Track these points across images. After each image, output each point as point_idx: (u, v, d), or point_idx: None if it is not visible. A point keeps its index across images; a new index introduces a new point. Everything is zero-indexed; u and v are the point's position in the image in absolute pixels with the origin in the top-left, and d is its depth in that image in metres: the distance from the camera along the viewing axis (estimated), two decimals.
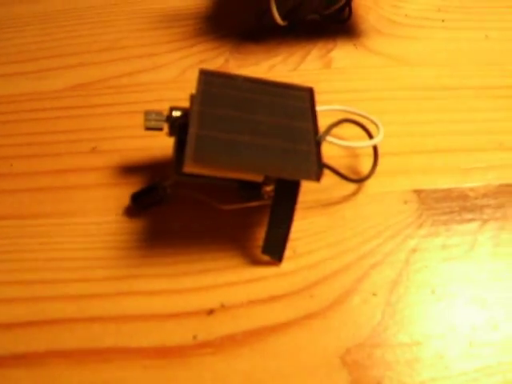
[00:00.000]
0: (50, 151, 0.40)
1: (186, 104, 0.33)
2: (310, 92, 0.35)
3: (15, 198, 0.37)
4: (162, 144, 0.38)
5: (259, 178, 0.31)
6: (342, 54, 0.45)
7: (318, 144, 0.31)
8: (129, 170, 0.38)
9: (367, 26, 0.47)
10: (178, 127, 0.33)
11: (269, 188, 0.33)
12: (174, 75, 0.44)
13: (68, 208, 0.36)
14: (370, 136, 0.35)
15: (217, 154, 0.29)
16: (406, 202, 0.35)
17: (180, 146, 0.32)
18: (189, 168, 0.29)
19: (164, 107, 0.34)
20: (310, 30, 0.47)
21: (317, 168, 0.30)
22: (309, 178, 0.30)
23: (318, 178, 0.30)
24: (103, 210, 0.36)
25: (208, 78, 0.33)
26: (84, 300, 0.32)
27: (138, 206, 0.35)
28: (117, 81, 0.44)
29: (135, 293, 0.32)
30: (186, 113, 0.33)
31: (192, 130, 0.30)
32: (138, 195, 0.35)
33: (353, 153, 0.36)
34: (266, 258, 0.33)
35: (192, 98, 0.33)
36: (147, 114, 0.34)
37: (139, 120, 0.37)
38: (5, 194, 0.38)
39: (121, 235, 0.35)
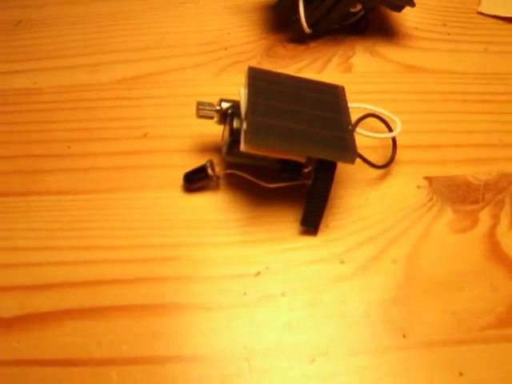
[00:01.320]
0: (104, 136, 0.45)
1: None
2: (342, 89, 0.41)
3: (73, 177, 0.42)
4: (209, 132, 0.43)
5: (302, 159, 0.37)
6: (360, 60, 0.51)
7: (352, 133, 0.37)
8: (179, 153, 0.43)
9: (382, 36, 0.53)
10: (229, 116, 0.38)
11: (306, 170, 0.38)
12: (212, 73, 0.50)
13: (125, 185, 0.41)
14: (390, 130, 0.41)
15: (270, 137, 0.34)
16: (418, 187, 0.41)
17: (232, 133, 0.37)
18: (246, 148, 0.35)
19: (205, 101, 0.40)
20: (332, 39, 0.53)
21: (352, 153, 0.36)
22: (345, 160, 0.36)
23: (353, 161, 0.36)
24: (157, 187, 0.41)
25: (256, 74, 0.39)
26: (144, 263, 0.37)
27: (189, 184, 0.40)
28: (161, 76, 0.49)
29: (188, 258, 0.37)
30: (234, 104, 0.39)
31: (249, 117, 0.35)
32: (190, 174, 0.40)
33: (374, 144, 0.42)
34: (303, 229, 0.38)
35: (241, 91, 0.38)
36: (200, 104, 0.39)
37: (186, 111, 0.44)
38: (63, 172, 0.42)
39: (174, 208, 0.40)
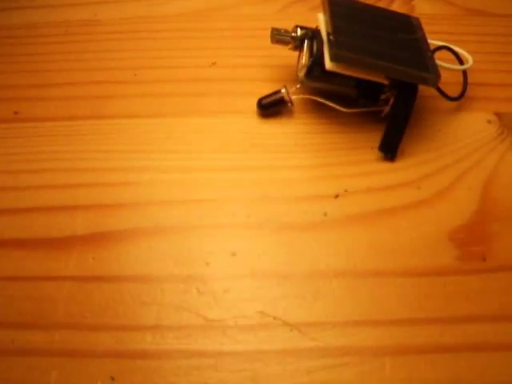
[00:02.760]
0: (171, 64, 0.44)
1: None
2: (417, 20, 0.40)
3: (142, 101, 0.42)
4: (278, 62, 0.43)
5: (384, 80, 0.36)
6: (422, 2, 0.50)
7: (433, 58, 0.37)
8: (249, 82, 0.43)
9: None
10: (308, 40, 0.38)
11: (384, 95, 0.38)
12: (275, 9, 0.49)
13: (196, 110, 0.42)
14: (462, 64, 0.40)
15: (356, 54, 0.34)
16: (489, 122, 0.41)
17: (312, 55, 0.37)
18: (332, 66, 0.35)
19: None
20: None
21: (435, 75, 0.36)
22: (428, 83, 0.36)
23: (435, 83, 0.36)
24: (229, 112, 0.41)
25: (334, 1, 0.39)
26: (224, 184, 0.38)
27: (264, 108, 0.40)
28: (223, 11, 0.49)
29: (267, 179, 0.38)
30: (311, 29, 0.39)
31: (334, 36, 0.35)
32: (265, 98, 0.40)
33: (445, 79, 0.41)
34: (380, 155, 0.38)
35: (319, 17, 0.39)
36: (275, 29, 0.39)
37: (254, 43, 0.44)
38: (132, 97, 0.42)
39: (248, 133, 0.40)
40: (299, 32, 0.39)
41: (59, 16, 0.49)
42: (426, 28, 0.41)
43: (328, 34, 0.36)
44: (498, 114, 0.41)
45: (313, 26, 0.39)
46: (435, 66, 0.36)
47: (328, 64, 0.35)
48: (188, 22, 0.47)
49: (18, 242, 0.34)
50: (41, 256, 0.34)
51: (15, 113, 0.41)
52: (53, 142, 0.39)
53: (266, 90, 0.40)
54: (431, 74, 0.35)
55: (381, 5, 0.48)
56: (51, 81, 0.43)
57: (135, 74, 0.43)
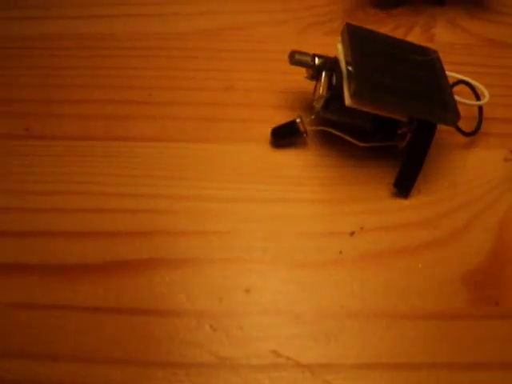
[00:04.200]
0: (187, 86, 0.44)
1: None
2: (436, 53, 0.40)
3: (156, 124, 0.41)
4: (295, 88, 0.42)
5: (404, 118, 0.36)
6: (442, 31, 0.50)
7: (452, 95, 0.37)
8: (265, 108, 0.42)
9: (463, 8, 0.52)
10: (326, 71, 0.37)
11: (401, 130, 0.37)
12: (294, 32, 0.49)
13: (209, 135, 0.41)
14: (478, 99, 0.40)
15: (377, 92, 0.34)
16: (506, 160, 0.40)
17: (331, 87, 0.36)
18: (352, 102, 0.34)
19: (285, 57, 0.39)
20: (412, 8, 0.52)
21: (454, 115, 0.35)
22: (447, 122, 0.35)
23: (454, 123, 0.35)
24: (242, 140, 0.41)
25: (354, 31, 0.38)
26: (234, 215, 0.37)
27: (277, 139, 0.39)
28: (241, 31, 0.48)
29: (278, 213, 0.37)
30: (330, 59, 0.38)
31: (355, 71, 0.35)
32: (279, 129, 0.39)
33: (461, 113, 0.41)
34: (394, 191, 0.38)
35: (339, 47, 0.38)
36: (296, 51, 0.39)
37: (271, 66, 0.44)
38: (146, 119, 0.42)
39: (260, 163, 0.40)
40: (317, 61, 0.38)
41: (75, 28, 0.48)
42: (445, 58, 0.40)
43: (347, 67, 0.35)
44: None
45: (330, 49, 0.39)
46: (454, 105, 0.36)
47: (348, 100, 0.34)
48: (204, 40, 0.47)
49: (27, 267, 0.34)
50: (51, 283, 0.33)
51: (26, 129, 0.40)
52: (64, 163, 0.39)
53: (280, 117, 0.40)
54: (451, 113, 0.35)
55: (400, 32, 0.48)
56: (64, 97, 0.43)
57: (150, 94, 0.43)
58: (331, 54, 0.38)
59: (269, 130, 0.39)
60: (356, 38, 0.37)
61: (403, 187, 0.37)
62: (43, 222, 0.36)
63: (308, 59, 0.38)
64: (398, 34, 0.49)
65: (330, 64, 0.37)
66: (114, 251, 0.35)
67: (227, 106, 0.42)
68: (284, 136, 0.39)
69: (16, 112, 0.42)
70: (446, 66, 0.39)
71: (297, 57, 0.38)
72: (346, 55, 0.37)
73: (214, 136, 0.40)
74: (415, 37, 0.48)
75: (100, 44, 0.47)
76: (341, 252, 0.35)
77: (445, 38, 0.49)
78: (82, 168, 0.39)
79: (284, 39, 0.47)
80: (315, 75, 0.38)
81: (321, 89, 0.37)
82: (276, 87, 0.43)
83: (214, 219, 0.36)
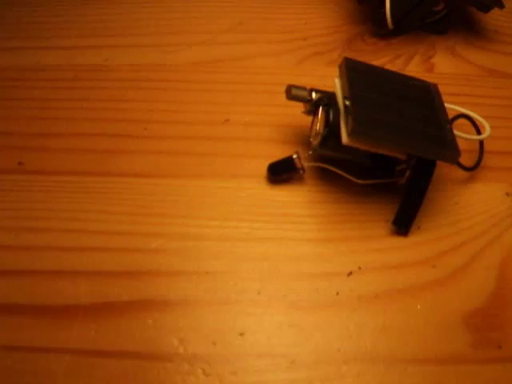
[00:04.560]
0: (183, 119, 0.43)
1: None
2: (435, 86, 0.39)
3: (150, 159, 0.40)
4: (292, 122, 0.42)
5: (403, 156, 0.35)
6: (442, 61, 0.49)
7: (452, 132, 0.36)
8: (261, 143, 0.42)
9: (463, 36, 0.52)
10: (323, 106, 0.37)
11: (399, 167, 0.37)
12: (292, 63, 0.48)
13: (204, 172, 0.40)
14: (478, 133, 0.39)
15: (375, 131, 0.33)
16: (507, 195, 0.40)
17: (328, 124, 0.36)
18: (349, 141, 0.34)
19: (283, 90, 0.38)
20: (412, 37, 0.51)
21: (454, 152, 0.34)
22: (448, 159, 0.35)
23: (455, 160, 0.35)
24: (238, 176, 0.40)
25: (352, 65, 0.38)
26: (228, 255, 0.36)
27: (274, 175, 0.39)
28: (240, 62, 0.48)
29: (274, 252, 0.36)
30: (327, 95, 0.37)
31: (352, 108, 0.34)
32: (275, 165, 0.38)
33: (462, 147, 0.40)
34: (393, 229, 0.37)
35: (336, 82, 0.37)
36: (293, 85, 0.38)
37: (268, 99, 0.43)
38: (140, 154, 0.41)
39: (256, 200, 0.39)
40: (314, 95, 0.37)
41: (70, 59, 0.48)
42: (445, 89, 0.40)
43: (345, 103, 0.34)
44: None
45: (330, 81, 0.38)
46: (454, 141, 0.35)
47: (345, 139, 0.33)
48: (201, 72, 0.46)
49: (17, 308, 0.33)
50: (41, 324, 0.33)
51: (20, 163, 0.40)
52: (57, 199, 0.38)
53: (277, 151, 0.40)
54: (451, 150, 0.34)
55: (400, 62, 0.47)
56: (58, 130, 0.42)
57: (145, 128, 0.42)
58: (331, 85, 0.38)
59: (266, 166, 0.39)
60: (354, 72, 0.37)
61: (403, 225, 0.36)
62: (34, 261, 0.35)
63: (305, 94, 0.37)
64: (398, 63, 0.48)
65: (327, 99, 0.37)
66: (106, 292, 0.34)
67: (223, 140, 0.41)
68: (281, 172, 0.38)
69: (10, 145, 0.41)
70: (445, 98, 0.39)
71: (293, 91, 0.37)
72: (343, 90, 0.36)
73: (210, 172, 0.39)
74: (415, 67, 0.48)
75: (96, 75, 0.46)
76: (338, 293, 0.34)
77: (445, 68, 0.48)
78: (74, 205, 0.38)
79: (283, 70, 0.47)
80: (312, 110, 0.38)
81: (318, 125, 0.36)
82: (274, 121, 0.42)
83: (207, 259, 0.35)
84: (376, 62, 0.48)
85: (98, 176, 0.39)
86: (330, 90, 0.37)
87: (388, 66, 0.48)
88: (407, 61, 0.48)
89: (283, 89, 0.38)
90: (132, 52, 0.48)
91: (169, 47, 0.49)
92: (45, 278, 0.34)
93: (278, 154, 0.39)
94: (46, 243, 0.36)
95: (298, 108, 0.39)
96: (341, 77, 0.37)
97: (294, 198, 0.38)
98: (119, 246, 0.36)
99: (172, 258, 0.35)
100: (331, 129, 0.35)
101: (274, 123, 0.42)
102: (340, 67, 0.37)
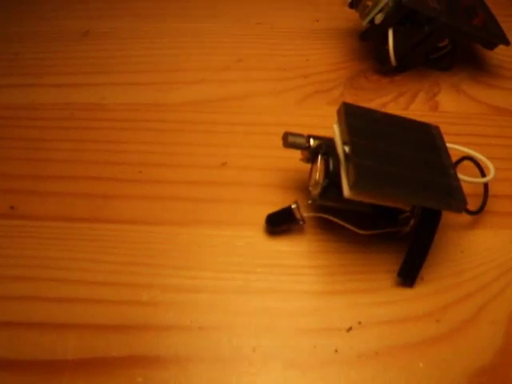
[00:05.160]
0: (179, 162, 0.42)
1: (305, 131, 0.37)
2: (437, 129, 0.38)
3: (145, 205, 0.39)
4: (292, 166, 0.40)
5: (408, 207, 0.34)
6: (446, 98, 0.48)
7: (456, 178, 0.34)
8: (260, 188, 0.40)
9: (467, 73, 0.51)
10: (322, 155, 0.35)
11: (403, 216, 0.35)
12: (292, 102, 0.47)
13: (200, 219, 0.39)
14: (483, 175, 0.38)
15: (378, 184, 0.32)
16: None
17: (328, 175, 0.34)
18: (351, 195, 0.32)
19: (283, 131, 0.37)
20: (416, 73, 0.50)
21: (460, 201, 0.33)
22: (454, 209, 0.33)
23: (461, 210, 0.33)
24: (235, 224, 0.39)
25: (351, 111, 0.36)
26: (222, 309, 0.35)
27: (273, 227, 0.37)
28: (238, 101, 0.47)
29: (271, 307, 0.35)
30: (325, 142, 0.36)
31: (353, 160, 0.32)
32: (274, 216, 0.37)
33: (465, 190, 0.39)
34: (397, 280, 0.35)
35: (335, 128, 0.36)
36: (289, 133, 0.37)
37: (267, 141, 0.42)
38: (134, 199, 0.40)
39: (254, 250, 0.37)
40: (312, 143, 0.36)
41: (65, 97, 0.47)
42: (449, 129, 0.39)
43: (344, 151, 0.33)
44: None
45: (332, 121, 0.37)
46: (460, 188, 0.34)
47: (347, 192, 0.32)
48: (198, 112, 0.45)
49: (2, 363, 0.32)
50: (28, 381, 0.31)
51: (11, 207, 0.39)
52: (47, 246, 0.37)
53: (276, 197, 0.39)
54: (457, 199, 0.33)
55: (403, 100, 0.46)
56: (51, 172, 0.41)
57: (140, 172, 0.41)
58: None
59: (264, 213, 0.37)
60: (352, 118, 0.35)
61: (407, 276, 0.35)
62: (21, 312, 0.34)
63: (302, 141, 0.36)
64: (402, 102, 0.47)
65: (326, 147, 0.35)
66: (94, 346, 0.32)
67: (220, 185, 0.40)
68: (280, 223, 0.37)
69: (2, 188, 0.40)
70: (449, 138, 0.38)
71: (290, 139, 0.36)
72: (342, 136, 0.34)
73: (205, 219, 0.38)
74: (419, 105, 0.47)
75: (90, 115, 0.45)
76: (336, 350, 0.32)
77: (449, 107, 0.47)
78: (64, 252, 0.37)
79: (282, 110, 0.46)
80: (311, 158, 0.36)
81: (317, 174, 0.35)
82: (272, 164, 0.41)
83: (201, 313, 0.34)
84: (379, 100, 0.47)
85: (90, 222, 0.38)
86: (330, 130, 0.36)
87: (391, 105, 0.47)
88: (411, 99, 0.47)
89: (282, 130, 0.37)
90: (129, 90, 0.47)
91: (166, 85, 0.48)
92: (32, 331, 0.33)
93: (277, 200, 0.38)
94: (34, 293, 0.35)
95: (298, 152, 0.37)
96: (339, 123, 0.36)
97: (293, 248, 0.37)
98: (109, 298, 0.34)
99: (164, 312, 0.34)
100: (331, 179, 0.34)
101: (272, 167, 0.41)
102: (338, 113, 0.36)
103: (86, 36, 0.54)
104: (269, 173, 0.41)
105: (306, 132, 0.37)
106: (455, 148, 0.38)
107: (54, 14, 0.57)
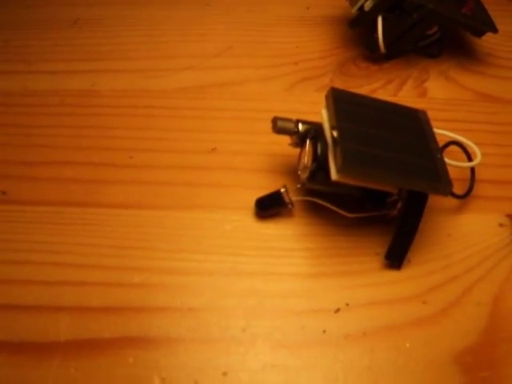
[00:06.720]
0: (169, 148, 0.42)
1: (294, 117, 0.37)
2: (424, 114, 0.38)
3: (136, 189, 0.40)
4: (281, 151, 0.41)
5: (395, 190, 0.34)
6: (435, 85, 0.48)
7: (443, 162, 0.35)
8: (249, 173, 0.41)
9: (456, 60, 0.51)
10: (310, 140, 0.36)
11: (390, 199, 0.36)
12: (282, 88, 0.47)
13: (190, 203, 0.39)
14: (469, 160, 0.38)
15: (365, 167, 0.32)
16: (501, 225, 0.39)
17: (316, 158, 0.35)
18: (338, 177, 0.33)
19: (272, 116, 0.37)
20: (404, 60, 0.51)
21: (446, 184, 0.34)
22: (440, 192, 0.34)
23: (447, 193, 0.34)
24: (225, 208, 0.39)
25: (339, 96, 0.37)
26: (213, 291, 0.35)
27: (262, 210, 0.38)
28: (228, 87, 0.47)
29: (259, 288, 0.35)
30: (313, 127, 0.36)
31: (341, 143, 0.33)
32: (263, 200, 0.38)
33: (452, 175, 0.39)
34: (384, 263, 0.35)
35: (323, 113, 0.36)
36: (278, 118, 0.37)
37: (257, 127, 0.42)
38: (125, 184, 0.40)
39: (243, 233, 0.38)
40: (301, 127, 0.36)
41: (56, 84, 0.47)
42: (437, 114, 0.39)
43: (332, 135, 0.33)
44: (510, 216, 0.39)
45: (321, 107, 0.37)
46: (446, 172, 0.34)
47: (334, 175, 0.33)
48: (188, 98, 0.46)
49: None
50: (19, 362, 0.32)
51: (3, 193, 0.39)
52: (39, 231, 0.37)
53: (265, 182, 0.39)
54: (443, 183, 0.33)
55: (392, 87, 0.46)
56: (43, 158, 0.42)
57: (131, 157, 0.41)
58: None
59: (253, 197, 0.38)
60: (340, 102, 0.36)
61: (396, 259, 0.35)
62: (13, 294, 0.34)
63: (291, 126, 0.36)
64: (391, 88, 0.47)
65: (315, 132, 0.36)
66: (85, 328, 0.33)
67: (210, 170, 0.41)
68: (269, 207, 0.37)
69: None
70: (437, 123, 0.38)
71: (279, 124, 0.36)
72: (330, 121, 0.35)
73: (195, 203, 0.39)
74: (408, 91, 0.47)
75: (82, 101, 0.46)
76: (324, 331, 0.33)
77: (437, 94, 0.47)
78: (56, 237, 0.37)
79: (272, 96, 0.46)
80: (299, 142, 0.37)
81: (305, 158, 0.35)
82: (262, 149, 0.42)
83: (190, 294, 0.34)
84: (368, 87, 0.47)
85: (81, 207, 0.38)
86: (319, 115, 0.37)
87: (380, 91, 0.47)
88: (400, 86, 0.48)
89: (271, 116, 0.37)
90: (119, 77, 0.48)
91: (156, 72, 0.48)
92: (24, 313, 0.33)
93: (266, 184, 0.38)
94: (26, 276, 0.35)
95: (287, 136, 0.38)
96: (328, 107, 0.36)
97: (282, 231, 0.37)
98: (101, 281, 0.35)
99: (155, 294, 0.34)
100: (319, 163, 0.34)
101: (262, 152, 0.41)
102: (327, 98, 0.36)
103: (76, 24, 0.54)
104: (258, 158, 0.41)
105: (295, 118, 0.36)
106: (443, 133, 0.38)
107: (45, 2, 0.57)
